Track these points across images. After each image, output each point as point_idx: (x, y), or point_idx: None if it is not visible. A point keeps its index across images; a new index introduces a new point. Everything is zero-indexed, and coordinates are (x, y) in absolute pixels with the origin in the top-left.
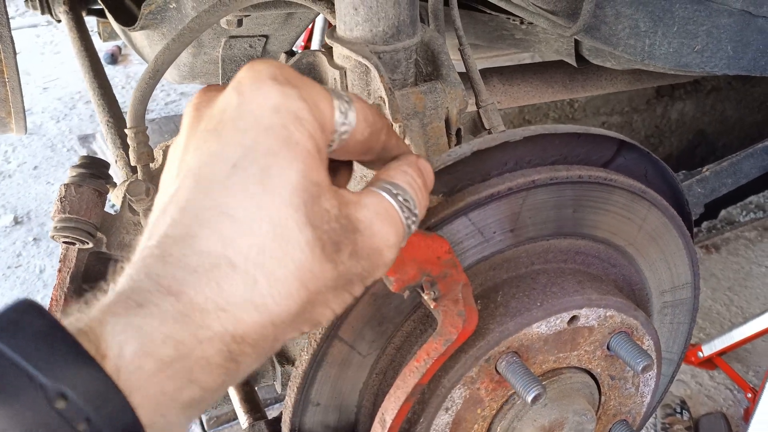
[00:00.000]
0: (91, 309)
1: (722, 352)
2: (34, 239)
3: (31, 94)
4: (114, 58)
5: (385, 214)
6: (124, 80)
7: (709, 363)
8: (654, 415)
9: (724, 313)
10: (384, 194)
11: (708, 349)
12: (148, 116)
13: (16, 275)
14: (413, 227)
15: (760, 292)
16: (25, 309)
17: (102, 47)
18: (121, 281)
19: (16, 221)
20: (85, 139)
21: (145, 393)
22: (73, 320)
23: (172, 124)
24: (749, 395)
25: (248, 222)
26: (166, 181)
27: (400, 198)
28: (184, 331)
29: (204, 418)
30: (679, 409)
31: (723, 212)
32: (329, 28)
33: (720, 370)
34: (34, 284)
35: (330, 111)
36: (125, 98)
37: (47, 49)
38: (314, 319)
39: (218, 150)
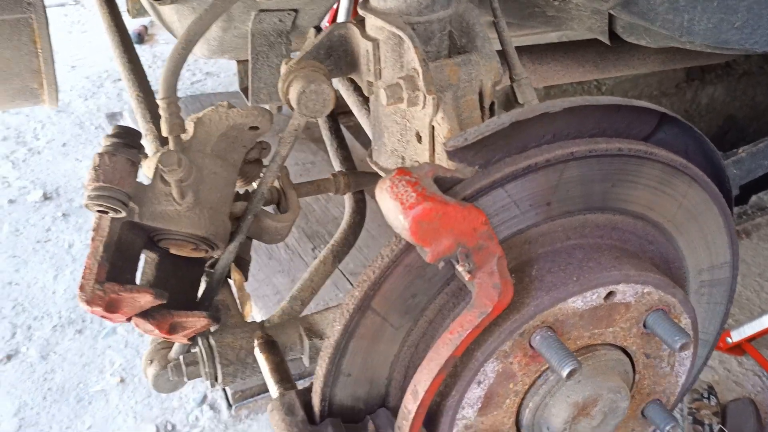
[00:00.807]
0: None
1: (752, 338)
2: (63, 215)
3: (59, 73)
4: (140, 38)
5: None
6: (150, 59)
7: (738, 349)
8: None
9: (754, 300)
10: None
11: (737, 335)
12: None
13: (45, 249)
14: None
15: None
16: None
17: (128, 26)
18: None
19: (45, 197)
20: (113, 117)
21: None
22: None
23: (197, 103)
24: None
25: None
26: None
27: None
28: None
29: (229, 392)
30: (706, 395)
31: (754, 198)
32: (361, 0)
33: (749, 356)
34: (63, 259)
35: None
36: (151, 77)
37: (75, 28)
38: None
39: None
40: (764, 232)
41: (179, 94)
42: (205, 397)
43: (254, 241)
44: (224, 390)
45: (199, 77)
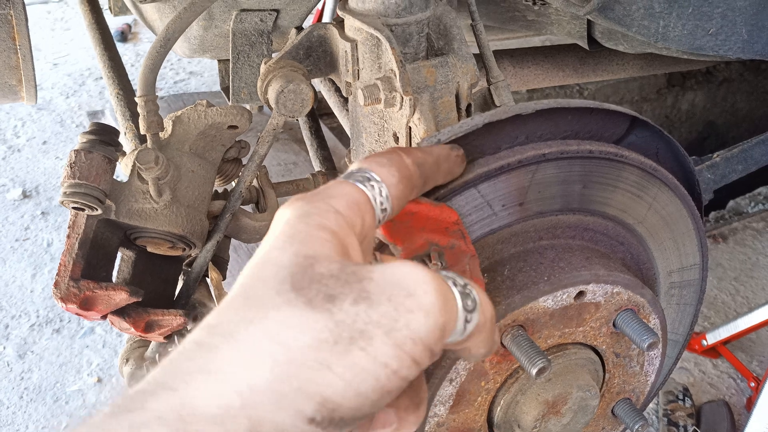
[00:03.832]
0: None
1: (726, 341)
2: (42, 213)
3: (41, 70)
4: (124, 36)
5: (413, 265)
6: (133, 58)
7: (713, 351)
8: (656, 401)
9: (729, 303)
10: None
11: (712, 338)
12: (157, 94)
13: (24, 248)
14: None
15: (766, 283)
16: None
17: (112, 25)
18: None
19: (25, 195)
20: (94, 115)
21: None
22: None
23: (180, 102)
24: (752, 384)
25: (228, 303)
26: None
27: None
28: (115, 423)
29: None
30: (681, 396)
31: (731, 203)
32: (341, 1)
33: (723, 359)
34: (41, 257)
35: (354, 198)
36: (134, 76)
37: (57, 25)
38: (312, 389)
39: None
40: (740, 236)
41: (163, 93)
42: None
43: (235, 242)
44: None
45: (183, 76)
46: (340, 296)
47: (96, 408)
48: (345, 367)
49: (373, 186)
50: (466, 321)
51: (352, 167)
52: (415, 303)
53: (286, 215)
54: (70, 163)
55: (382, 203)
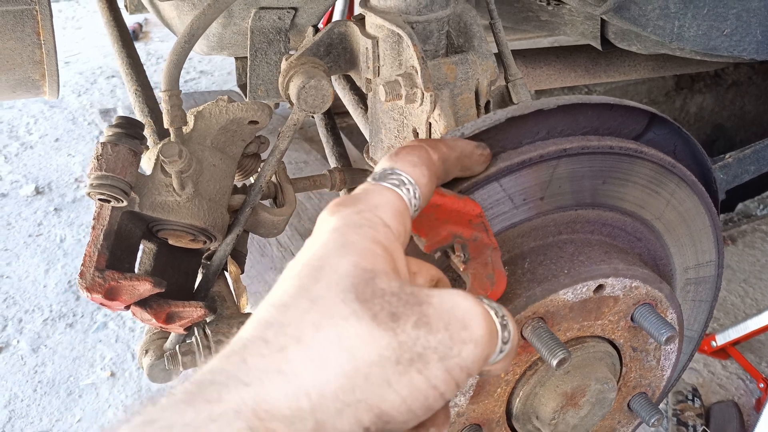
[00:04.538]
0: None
1: (736, 342)
2: (55, 209)
3: None
4: (135, 35)
5: (465, 296)
6: (144, 57)
7: (722, 352)
8: (665, 401)
9: (738, 305)
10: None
11: (722, 339)
12: None
13: (37, 244)
14: (507, 335)
15: None
16: None
17: None
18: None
19: (38, 191)
20: (106, 113)
21: None
22: None
23: (192, 101)
24: (761, 385)
25: (290, 303)
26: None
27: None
28: (192, 411)
29: None
30: (690, 396)
31: (740, 205)
32: None
33: (733, 360)
34: (54, 253)
35: (396, 207)
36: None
37: (69, 24)
38: (373, 402)
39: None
40: (749, 238)
41: None
42: None
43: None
44: None
45: (193, 75)
46: (403, 317)
47: (165, 392)
48: (403, 385)
49: (408, 189)
50: (500, 351)
51: (384, 165)
52: (468, 335)
53: (331, 222)
54: (97, 155)
55: (415, 204)
